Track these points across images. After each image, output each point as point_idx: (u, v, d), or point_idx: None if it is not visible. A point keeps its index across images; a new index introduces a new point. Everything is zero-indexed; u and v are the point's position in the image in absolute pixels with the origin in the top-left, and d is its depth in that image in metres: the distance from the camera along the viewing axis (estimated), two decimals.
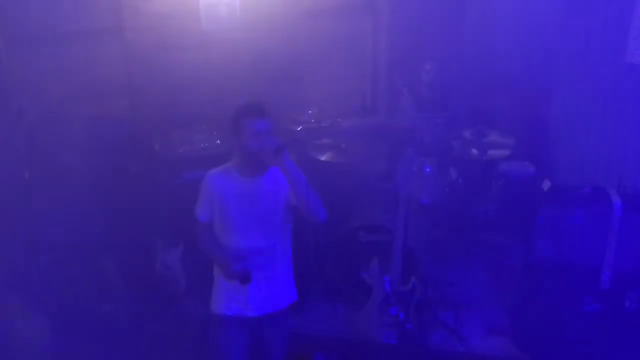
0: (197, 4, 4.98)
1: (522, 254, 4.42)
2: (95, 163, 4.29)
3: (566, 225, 3.95)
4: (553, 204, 4.01)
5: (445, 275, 4.73)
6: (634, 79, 4.51)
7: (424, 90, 5.05)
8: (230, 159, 3.17)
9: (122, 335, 4.03)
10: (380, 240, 4.33)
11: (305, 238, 4.41)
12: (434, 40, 5.50)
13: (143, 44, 4.74)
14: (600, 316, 3.93)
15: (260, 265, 3.13)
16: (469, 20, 5.84)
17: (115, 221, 4.29)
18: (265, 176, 3.11)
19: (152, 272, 4.31)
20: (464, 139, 4.99)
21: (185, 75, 4.81)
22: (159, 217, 4.28)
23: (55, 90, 4.35)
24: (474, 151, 4.91)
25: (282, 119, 4.68)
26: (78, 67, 4.47)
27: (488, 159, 4.90)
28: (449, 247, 4.90)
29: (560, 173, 5.03)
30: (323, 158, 4.81)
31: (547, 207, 4.00)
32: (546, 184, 4.31)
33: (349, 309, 4.47)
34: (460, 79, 5.36)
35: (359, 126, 5.43)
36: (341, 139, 4.99)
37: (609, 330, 3.91)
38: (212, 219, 3.15)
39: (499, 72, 5.50)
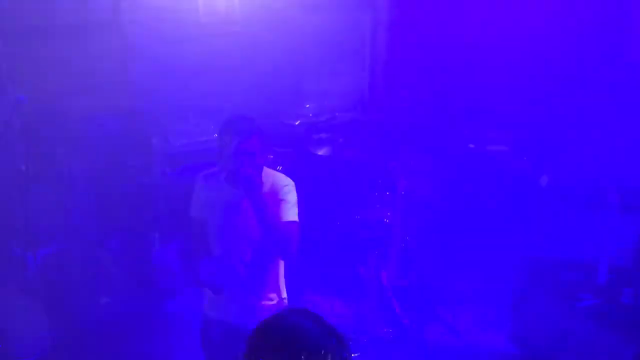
0: None
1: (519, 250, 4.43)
2: (93, 157, 4.28)
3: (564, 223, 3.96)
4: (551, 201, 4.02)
5: (443, 271, 4.74)
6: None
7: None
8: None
9: (118, 330, 4.03)
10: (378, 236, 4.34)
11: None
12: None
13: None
14: (597, 312, 3.95)
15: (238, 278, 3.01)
16: None
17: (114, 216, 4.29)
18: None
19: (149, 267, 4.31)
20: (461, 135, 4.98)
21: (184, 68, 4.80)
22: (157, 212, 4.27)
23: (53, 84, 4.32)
24: (472, 146, 4.90)
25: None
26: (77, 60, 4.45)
27: (486, 154, 4.89)
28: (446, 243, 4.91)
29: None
30: (321, 152, 4.80)
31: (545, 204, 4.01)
32: (543, 180, 4.32)
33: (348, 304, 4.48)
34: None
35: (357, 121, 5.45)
36: (339, 133, 4.99)
37: (605, 326, 3.93)
38: (203, 218, 3.09)
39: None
